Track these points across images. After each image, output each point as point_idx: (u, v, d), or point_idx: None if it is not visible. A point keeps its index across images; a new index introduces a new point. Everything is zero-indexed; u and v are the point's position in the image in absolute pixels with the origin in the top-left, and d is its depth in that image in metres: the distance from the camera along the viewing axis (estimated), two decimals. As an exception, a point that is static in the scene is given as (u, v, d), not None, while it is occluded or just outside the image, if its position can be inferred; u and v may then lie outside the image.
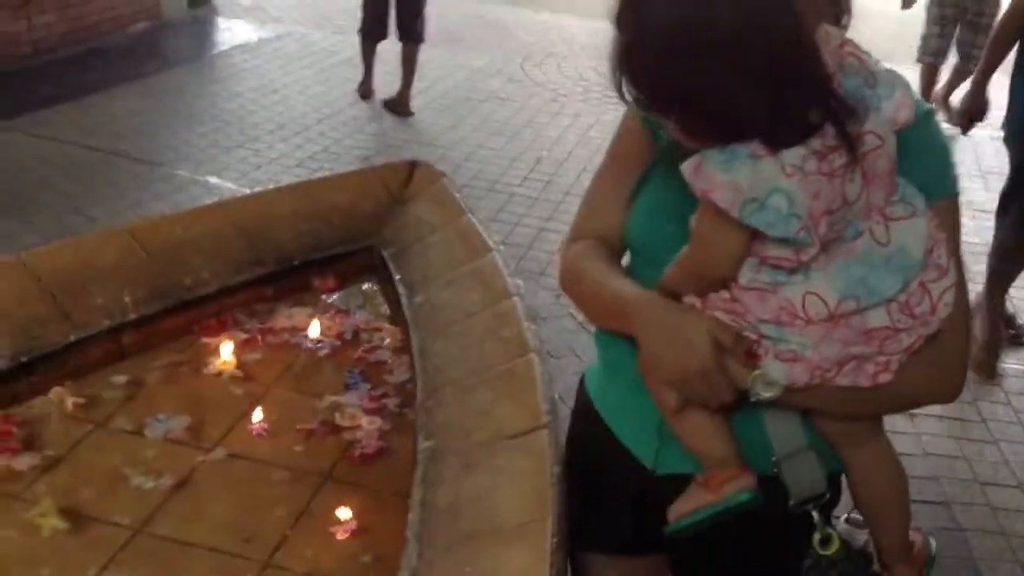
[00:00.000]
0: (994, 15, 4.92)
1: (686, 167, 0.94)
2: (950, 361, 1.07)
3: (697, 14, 0.87)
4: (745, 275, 0.98)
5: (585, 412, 1.35)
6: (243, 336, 1.84)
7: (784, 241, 0.91)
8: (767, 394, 1.01)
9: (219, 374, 1.73)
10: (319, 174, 4.38)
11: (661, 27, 0.89)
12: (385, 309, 2.01)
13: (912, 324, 0.99)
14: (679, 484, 1.15)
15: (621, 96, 0.97)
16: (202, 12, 7.25)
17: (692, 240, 1.00)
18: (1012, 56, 3.17)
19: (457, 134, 5.18)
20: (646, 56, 0.91)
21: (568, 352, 3.09)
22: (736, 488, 1.07)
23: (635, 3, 0.92)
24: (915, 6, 5.58)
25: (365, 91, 5.57)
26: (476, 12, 7.86)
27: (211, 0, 7.45)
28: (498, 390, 1.54)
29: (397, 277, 2.02)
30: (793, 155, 0.88)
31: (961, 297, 1.04)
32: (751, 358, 1.01)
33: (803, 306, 0.97)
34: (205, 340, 1.81)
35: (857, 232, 0.96)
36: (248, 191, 4.14)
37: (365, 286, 2.10)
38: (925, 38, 5.51)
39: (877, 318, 0.97)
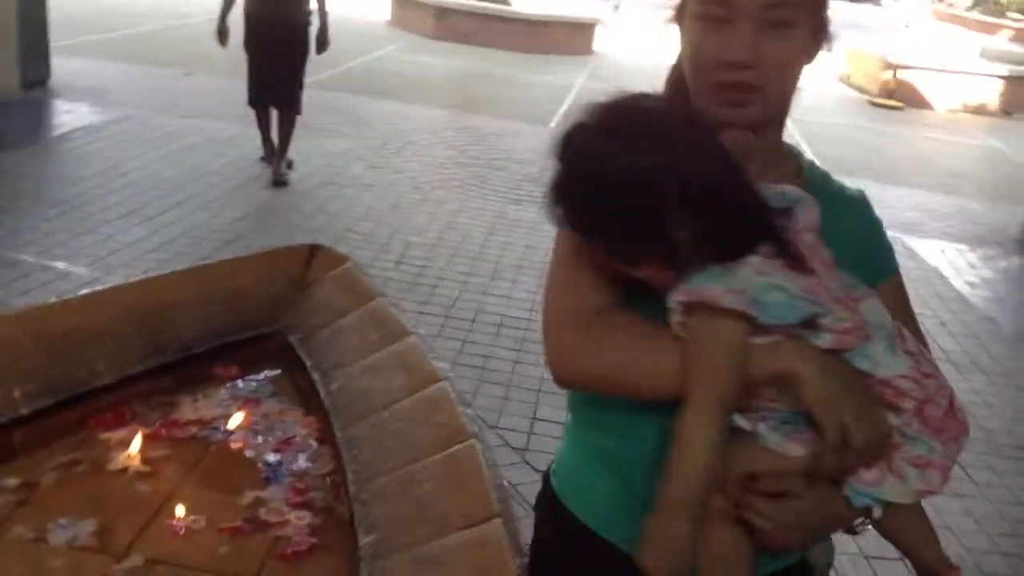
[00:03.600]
0: None
1: (676, 298, 0.96)
2: None
3: (637, 159, 0.94)
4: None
5: (556, 515, 1.27)
6: (146, 430, 1.70)
7: (808, 327, 0.94)
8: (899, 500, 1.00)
9: (123, 471, 1.59)
10: (182, 261, 4.20)
11: (605, 167, 0.95)
12: (297, 397, 1.92)
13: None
14: None
15: (555, 222, 1.02)
16: (38, 93, 6.91)
17: (698, 361, 0.96)
18: None
19: (322, 219, 5.11)
20: (587, 189, 0.96)
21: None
22: None
23: (578, 141, 0.97)
24: None
25: (267, 154, 5.85)
26: (329, 102, 7.87)
27: (47, 82, 7.12)
28: (440, 479, 1.49)
29: (309, 363, 1.94)
30: (754, 262, 0.94)
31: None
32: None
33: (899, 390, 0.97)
34: (104, 435, 1.66)
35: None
36: (103, 277, 3.93)
37: (272, 373, 2.00)
38: None
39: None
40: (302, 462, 1.70)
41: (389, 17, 13.47)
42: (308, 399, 1.87)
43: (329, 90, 8.48)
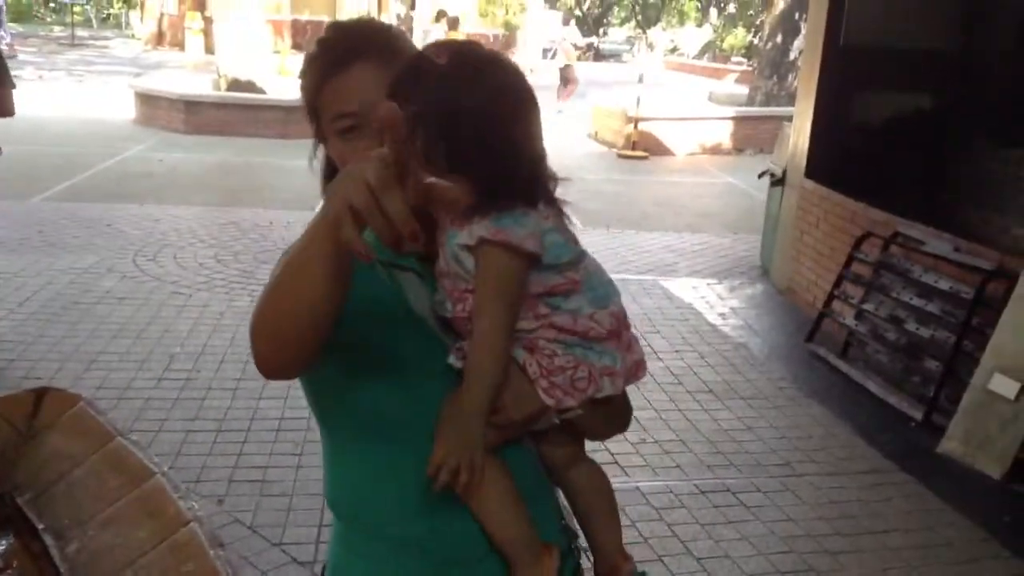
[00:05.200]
0: None
1: (480, 233, 1.06)
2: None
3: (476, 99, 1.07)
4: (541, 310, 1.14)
5: None
6: None
7: (556, 269, 1.12)
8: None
9: None
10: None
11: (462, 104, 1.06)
12: (32, 567, 1.74)
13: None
14: None
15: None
16: None
17: (488, 283, 1.09)
18: None
19: (71, 343, 4.74)
20: (452, 123, 1.06)
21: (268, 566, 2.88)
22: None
23: (420, 80, 1.07)
24: None
25: None
26: (69, 213, 7.40)
27: None
28: (193, 634, 1.40)
29: (40, 527, 1.77)
30: (543, 211, 1.12)
31: None
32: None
33: (597, 322, 1.16)
34: None
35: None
36: None
37: (1, 544, 1.81)
38: None
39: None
40: (39, 642, 1.54)
41: (134, 115, 12.91)
42: (43, 567, 1.71)
43: (71, 200, 7.98)
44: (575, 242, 1.16)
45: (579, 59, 20.15)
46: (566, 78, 16.62)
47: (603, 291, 1.18)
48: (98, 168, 9.52)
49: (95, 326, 4.99)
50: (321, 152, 1.27)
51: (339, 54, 1.18)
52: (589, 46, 33.05)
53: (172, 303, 5.42)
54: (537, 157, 1.13)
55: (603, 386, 1.15)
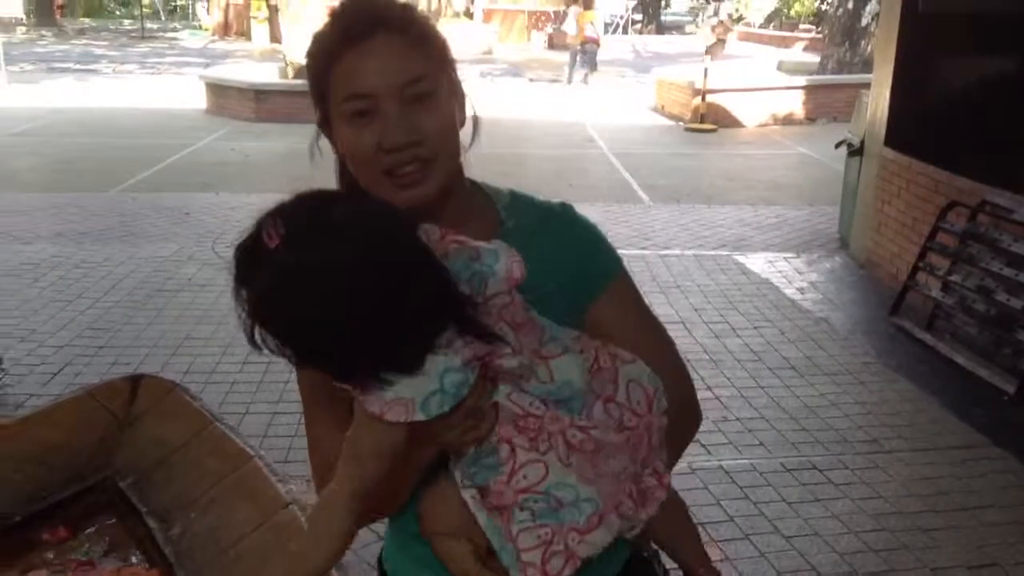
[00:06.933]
0: None
1: (360, 405, 0.96)
2: (690, 401, 1.20)
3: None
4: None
5: None
6: (-35, 623, 1.54)
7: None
8: None
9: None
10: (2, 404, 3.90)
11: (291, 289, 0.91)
12: (136, 550, 1.79)
13: (644, 416, 1.06)
14: None
15: (255, 346, 0.95)
16: None
17: (353, 446, 0.99)
18: None
19: (157, 330, 4.87)
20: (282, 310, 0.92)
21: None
22: None
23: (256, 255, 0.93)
24: None
25: None
26: (148, 203, 7.59)
27: None
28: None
29: (144, 510, 1.82)
30: (437, 349, 0.95)
31: (666, 350, 1.17)
32: None
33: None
34: (-85, 641, 1.49)
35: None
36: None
37: (105, 527, 1.86)
38: None
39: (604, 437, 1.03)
40: (148, 623, 1.58)
41: (206, 105, 13.18)
42: (148, 550, 1.75)
43: (149, 191, 8.18)
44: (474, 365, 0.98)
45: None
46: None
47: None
48: (173, 159, 9.74)
49: (179, 313, 5.12)
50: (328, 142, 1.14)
51: (355, 26, 1.05)
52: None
53: (251, 289, 5.51)
54: (405, 319, 0.93)
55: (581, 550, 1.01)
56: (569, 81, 17.23)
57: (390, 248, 0.94)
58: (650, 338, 1.17)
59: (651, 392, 1.07)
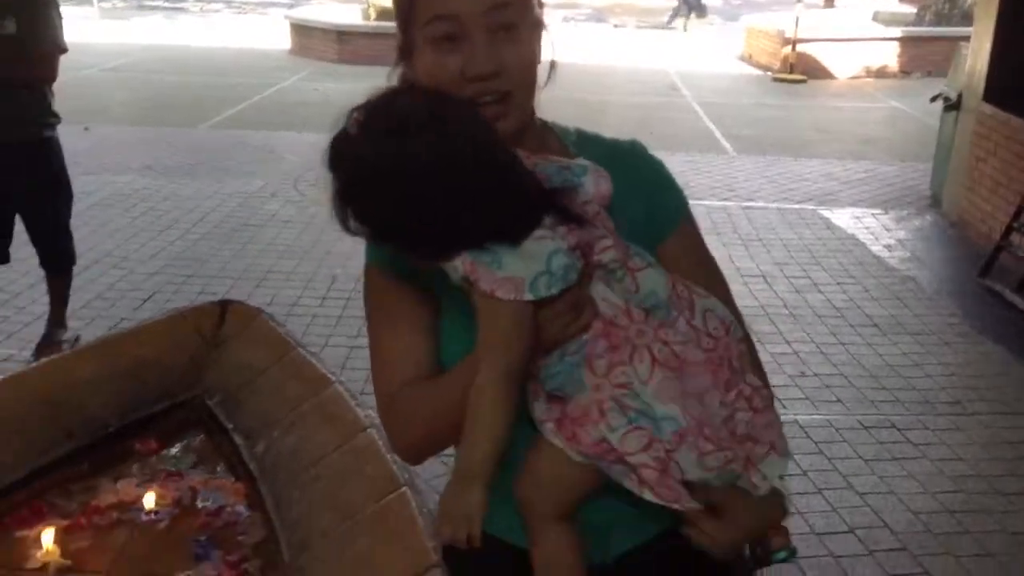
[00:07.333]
0: None
1: (459, 273, 0.97)
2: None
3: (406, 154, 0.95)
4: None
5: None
6: (64, 521, 1.63)
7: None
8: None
9: (43, 568, 1.52)
10: (99, 325, 4.07)
11: (382, 167, 0.95)
12: (222, 464, 1.86)
13: (722, 339, 1.05)
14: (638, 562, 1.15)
15: (347, 230, 1.01)
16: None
17: (481, 330, 1.00)
18: None
19: (243, 262, 5.00)
20: (373, 193, 0.97)
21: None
22: None
23: (347, 147, 0.98)
24: None
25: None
26: (234, 140, 7.75)
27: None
28: (375, 534, 1.46)
29: (230, 427, 1.89)
30: (537, 234, 0.97)
31: (729, 295, 1.16)
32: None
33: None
34: (20, 533, 1.59)
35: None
36: (18, 353, 3.78)
37: (194, 441, 1.94)
38: None
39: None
40: (233, 534, 1.65)
41: (290, 45, 13.30)
42: (234, 465, 1.82)
43: (235, 128, 8.34)
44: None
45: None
46: None
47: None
48: (258, 97, 9.90)
49: (263, 247, 5.24)
50: (396, 76, 1.11)
51: None
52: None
53: (332, 227, 5.56)
54: (496, 193, 0.96)
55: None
56: (670, 24, 16.86)
57: (486, 132, 0.98)
58: (715, 281, 1.17)
59: (727, 321, 1.07)
